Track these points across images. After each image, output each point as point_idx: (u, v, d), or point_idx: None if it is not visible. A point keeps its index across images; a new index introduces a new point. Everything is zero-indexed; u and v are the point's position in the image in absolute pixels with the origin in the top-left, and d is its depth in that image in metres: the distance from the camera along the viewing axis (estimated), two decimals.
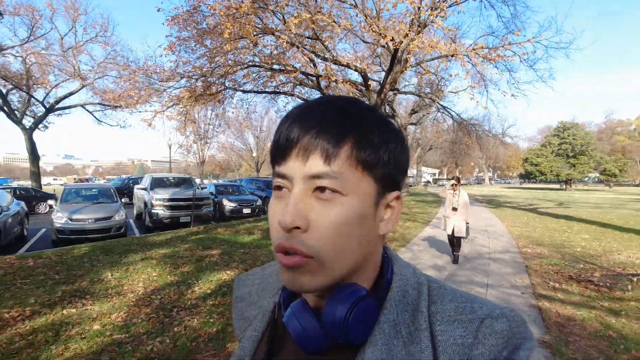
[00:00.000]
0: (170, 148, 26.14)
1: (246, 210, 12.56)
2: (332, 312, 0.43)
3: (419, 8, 8.77)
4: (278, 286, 0.56)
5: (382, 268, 0.50)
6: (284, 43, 9.47)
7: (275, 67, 11.97)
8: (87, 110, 21.46)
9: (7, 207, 7.80)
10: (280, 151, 0.44)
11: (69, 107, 20.45)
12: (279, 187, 0.44)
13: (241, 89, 13.74)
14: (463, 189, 6.25)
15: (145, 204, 10.41)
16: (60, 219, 7.88)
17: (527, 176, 49.90)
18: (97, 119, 22.19)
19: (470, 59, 9.29)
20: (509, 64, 11.96)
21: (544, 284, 4.97)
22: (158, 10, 9.81)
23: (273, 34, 9.80)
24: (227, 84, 12.18)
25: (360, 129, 0.42)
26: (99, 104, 21.08)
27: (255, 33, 9.89)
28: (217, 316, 3.68)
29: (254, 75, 12.88)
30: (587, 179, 63.22)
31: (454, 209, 6.05)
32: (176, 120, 12.71)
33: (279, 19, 9.88)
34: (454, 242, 6.18)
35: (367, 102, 0.47)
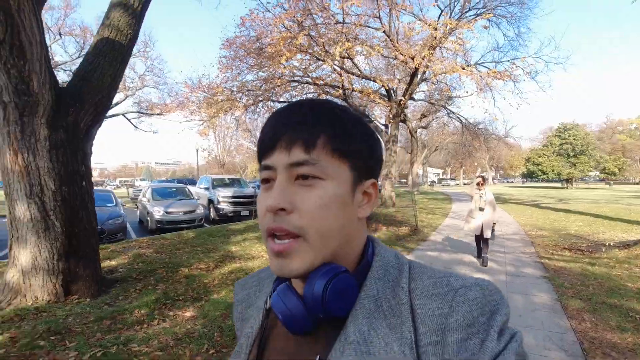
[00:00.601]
0: (197, 152, 28.22)
1: None
2: (311, 288, 0.46)
3: (435, 37, 10.74)
4: (275, 284, 0.56)
5: (364, 252, 0.53)
6: (328, 64, 11.47)
7: (305, 80, 14.00)
8: (126, 117, 23.55)
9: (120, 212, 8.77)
10: (266, 146, 0.49)
11: (113, 115, 22.51)
12: (266, 181, 0.49)
13: (278, 100, 15.80)
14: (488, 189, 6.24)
15: (210, 200, 12.43)
16: (158, 212, 9.89)
17: (529, 175, 51.71)
18: (134, 125, 24.29)
19: (484, 78, 11.27)
20: (513, 74, 13.91)
21: (545, 251, 6.94)
22: (224, 46, 11.81)
23: (320, 59, 11.80)
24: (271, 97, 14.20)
25: (334, 123, 0.48)
26: (137, 112, 23.15)
27: (302, 57, 11.96)
28: None
29: (291, 88, 14.93)
30: (588, 177, 65.08)
31: (481, 209, 5.91)
32: (225, 129, 14.75)
33: (320, 48, 11.88)
34: (481, 243, 6.05)
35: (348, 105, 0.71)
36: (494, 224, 5.95)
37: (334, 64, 11.95)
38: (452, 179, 72.85)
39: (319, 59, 11.80)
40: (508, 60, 14.37)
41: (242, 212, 12.16)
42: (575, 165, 46.07)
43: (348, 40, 11.35)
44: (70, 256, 4.01)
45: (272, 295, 0.52)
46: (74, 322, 3.35)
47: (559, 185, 55.80)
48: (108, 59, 4.26)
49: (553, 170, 46.69)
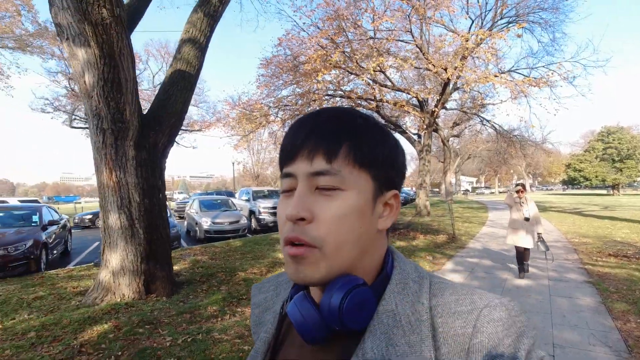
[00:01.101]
0: (233, 165, 29.45)
1: None
2: (328, 299, 0.46)
3: (467, 48, 10.94)
4: (293, 291, 0.56)
5: (384, 264, 0.52)
6: (362, 79, 11.95)
7: (339, 94, 14.52)
8: None
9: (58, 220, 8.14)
10: (288, 154, 0.49)
11: None
12: (287, 191, 0.49)
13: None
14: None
15: (252, 211, 13.10)
16: (206, 222, 10.61)
17: (570, 182, 49.41)
18: (176, 142, 25.79)
19: (518, 86, 11.31)
20: (550, 80, 13.73)
21: (589, 258, 6.91)
22: (262, 66, 12.61)
23: (355, 74, 12.31)
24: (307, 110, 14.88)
25: (355, 133, 0.47)
26: (183, 129, 24.63)
27: (337, 72, 12.52)
28: None
29: (325, 102, 15.53)
30: (637, 183, 61.11)
31: (526, 219, 5.57)
32: (266, 143, 15.59)
33: (354, 64, 12.38)
34: (523, 256, 5.66)
35: (365, 112, 0.55)
36: (539, 234, 5.62)
37: (367, 78, 12.40)
38: (486, 187, 70.69)
39: (353, 74, 12.30)
40: (543, 66, 14.29)
41: None
42: (621, 170, 43.59)
43: (381, 55, 11.81)
44: (149, 259, 4.62)
45: (289, 302, 0.52)
46: (160, 315, 3.91)
47: (604, 192, 52.77)
48: (179, 88, 4.93)
49: (597, 177, 44.40)
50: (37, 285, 5.35)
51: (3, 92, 17.74)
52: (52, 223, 7.40)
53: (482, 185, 74.88)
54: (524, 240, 5.50)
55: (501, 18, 14.36)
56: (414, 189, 52.78)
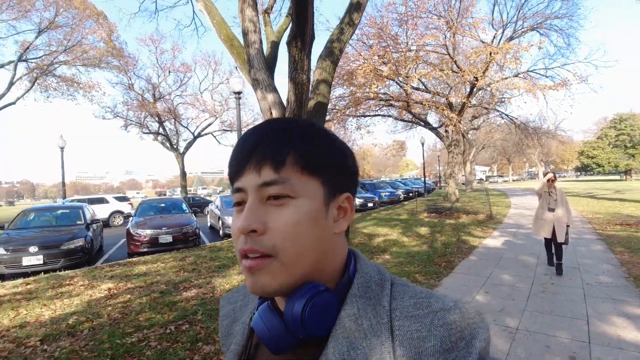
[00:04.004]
0: None
1: (370, 204, 17.58)
2: (290, 308, 0.46)
3: (494, 59, 13.13)
4: (260, 301, 0.55)
5: (345, 267, 0.52)
6: (407, 89, 14.29)
7: (386, 98, 16.85)
8: (214, 136, 27.69)
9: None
10: (236, 169, 0.49)
11: (205, 134, 26.70)
12: (238, 204, 0.49)
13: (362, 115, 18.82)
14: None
15: None
16: (228, 219, 12.51)
17: (583, 169, 50.88)
18: (218, 141, 28.40)
19: (541, 91, 13.50)
20: (567, 83, 15.76)
21: (599, 226, 9.21)
22: None
23: (400, 84, 14.64)
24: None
25: (301, 141, 0.48)
26: (224, 130, 27.20)
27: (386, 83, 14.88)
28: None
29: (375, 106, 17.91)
30: None
31: (551, 209, 5.35)
32: None
33: (402, 76, 14.60)
34: (552, 247, 5.48)
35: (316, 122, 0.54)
36: (567, 226, 5.26)
37: (411, 85, 14.71)
38: (499, 176, 72.32)
39: (399, 84, 14.62)
40: (558, 66, 16.36)
41: None
42: (633, 156, 45.01)
43: (418, 64, 14.09)
44: None
45: (254, 316, 0.52)
46: None
47: (617, 177, 54.15)
48: (317, 116, 7.33)
49: (609, 163, 45.93)
50: (219, 250, 7.89)
51: (86, 100, 20.38)
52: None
53: (495, 174, 76.46)
54: (550, 231, 5.31)
55: (521, 28, 16.46)
56: (431, 178, 54.92)
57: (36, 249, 6.50)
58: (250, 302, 0.62)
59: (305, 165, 0.47)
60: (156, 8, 9.76)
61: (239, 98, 9.52)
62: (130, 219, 9.39)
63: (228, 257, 7.10)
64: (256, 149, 0.48)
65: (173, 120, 25.18)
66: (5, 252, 6.36)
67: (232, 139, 36.80)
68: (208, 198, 27.26)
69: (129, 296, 4.75)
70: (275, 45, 8.02)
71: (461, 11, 14.50)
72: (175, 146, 25.10)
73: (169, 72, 23.39)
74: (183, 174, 25.58)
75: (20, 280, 5.80)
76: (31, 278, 5.92)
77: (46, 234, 7.11)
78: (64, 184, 18.13)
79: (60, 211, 8.41)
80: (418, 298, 0.47)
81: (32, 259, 6.43)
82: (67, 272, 6.35)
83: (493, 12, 16.20)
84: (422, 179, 29.38)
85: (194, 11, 9.83)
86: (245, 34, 6.56)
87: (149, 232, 8.23)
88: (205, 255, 7.38)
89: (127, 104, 23.94)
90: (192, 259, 6.99)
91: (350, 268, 0.52)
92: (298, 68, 5.97)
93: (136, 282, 5.41)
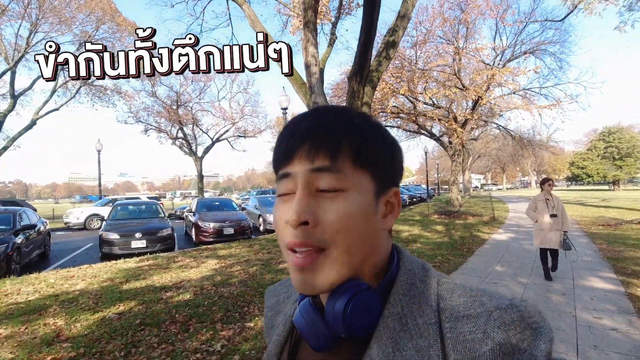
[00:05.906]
0: None
1: None
2: (332, 306, 0.45)
3: (495, 80, 15.07)
4: (301, 296, 0.55)
5: (389, 264, 0.51)
6: (419, 105, 16.16)
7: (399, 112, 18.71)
8: (229, 142, 29.32)
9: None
10: (285, 154, 0.47)
11: (221, 140, 28.33)
12: (284, 194, 0.47)
13: None
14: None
15: None
16: (269, 217, 14.55)
17: (574, 179, 53.23)
18: (232, 146, 30.04)
19: (538, 111, 15.46)
20: (560, 102, 17.76)
21: (585, 226, 11.07)
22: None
23: (412, 101, 16.51)
24: None
25: (356, 132, 0.46)
26: (238, 136, 28.85)
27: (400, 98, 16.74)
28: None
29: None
30: (637, 179, 64.98)
31: (553, 216, 5.37)
32: None
33: (415, 94, 16.44)
34: (548, 256, 5.47)
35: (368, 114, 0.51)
36: (564, 232, 5.37)
37: (421, 100, 16.60)
38: (493, 184, 74.80)
39: (411, 100, 16.49)
40: (552, 86, 18.41)
41: None
42: (621, 167, 47.43)
43: (432, 80, 15.97)
44: None
45: (295, 312, 0.52)
46: None
47: (605, 187, 56.71)
48: None
49: (598, 173, 48.32)
50: (274, 241, 9.55)
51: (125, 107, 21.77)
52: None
53: (489, 182, 78.97)
54: (551, 241, 5.35)
55: (519, 52, 18.51)
56: (429, 185, 56.84)
57: (140, 235, 8.14)
58: (293, 294, 0.63)
59: (359, 158, 0.46)
60: (201, 30, 11.17)
61: (285, 113, 11.27)
62: (192, 213, 11.03)
63: None
64: (311, 132, 0.46)
65: (191, 125, 26.77)
66: (118, 237, 8.00)
67: (246, 144, 38.34)
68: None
69: (239, 267, 6.39)
70: (321, 72, 9.85)
71: (467, 36, 16.50)
72: (194, 150, 26.69)
73: (192, 81, 25.02)
74: (200, 177, 27.13)
75: (136, 259, 7.37)
76: (143, 257, 7.52)
77: (144, 223, 8.74)
78: (100, 184, 19.64)
79: (144, 206, 10.02)
80: (469, 297, 0.45)
81: (138, 242, 8.07)
82: (166, 253, 7.97)
83: (495, 39, 18.23)
84: (426, 185, 31.32)
85: (232, 33, 11.44)
86: (307, 66, 8.35)
87: (214, 224, 9.88)
88: (267, 244, 9.02)
89: (147, 110, 25.50)
90: (258, 247, 8.62)
91: (393, 264, 0.51)
92: (355, 96, 7.76)
93: (233, 260, 7.04)
